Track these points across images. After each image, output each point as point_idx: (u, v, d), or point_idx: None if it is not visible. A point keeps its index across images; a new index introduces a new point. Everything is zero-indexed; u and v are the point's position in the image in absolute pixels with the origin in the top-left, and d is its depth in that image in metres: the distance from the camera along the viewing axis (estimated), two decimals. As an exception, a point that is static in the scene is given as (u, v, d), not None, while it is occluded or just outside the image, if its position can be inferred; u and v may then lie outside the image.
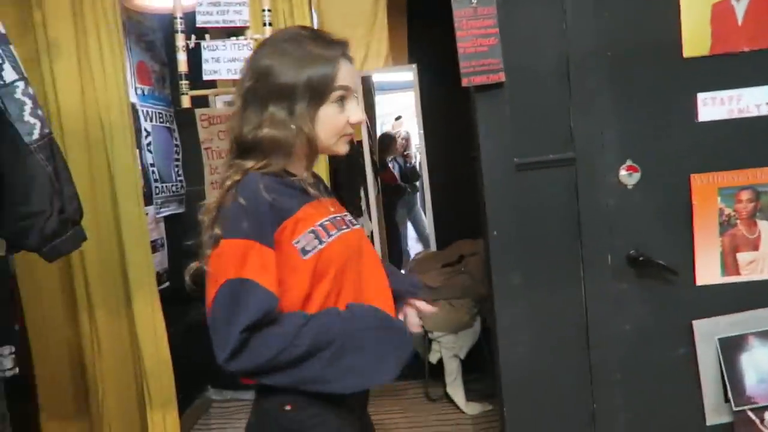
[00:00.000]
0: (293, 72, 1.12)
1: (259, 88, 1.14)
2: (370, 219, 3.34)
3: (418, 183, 4.07)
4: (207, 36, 1.67)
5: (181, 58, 1.76)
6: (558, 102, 1.58)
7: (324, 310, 1.13)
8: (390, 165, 4.33)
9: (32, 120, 1.57)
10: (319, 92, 1.14)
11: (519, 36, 1.56)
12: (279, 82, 1.13)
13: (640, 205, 1.58)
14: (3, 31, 1.53)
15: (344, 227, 1.21)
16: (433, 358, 3.10)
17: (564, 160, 1.59)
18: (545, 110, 1.59)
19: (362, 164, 3.10)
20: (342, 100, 1.17)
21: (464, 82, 1.58)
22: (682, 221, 1.57)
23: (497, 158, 1.61)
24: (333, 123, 1.17)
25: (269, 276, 1.06)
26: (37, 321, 1.96)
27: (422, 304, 1.37)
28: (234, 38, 1.72)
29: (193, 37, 1.78)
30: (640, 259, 1.58)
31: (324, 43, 1.17)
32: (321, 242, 1.12)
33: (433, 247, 3.56)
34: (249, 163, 1.13)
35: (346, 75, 1.17)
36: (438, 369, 3.13)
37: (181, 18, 1.75)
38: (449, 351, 3.02)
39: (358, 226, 1.28)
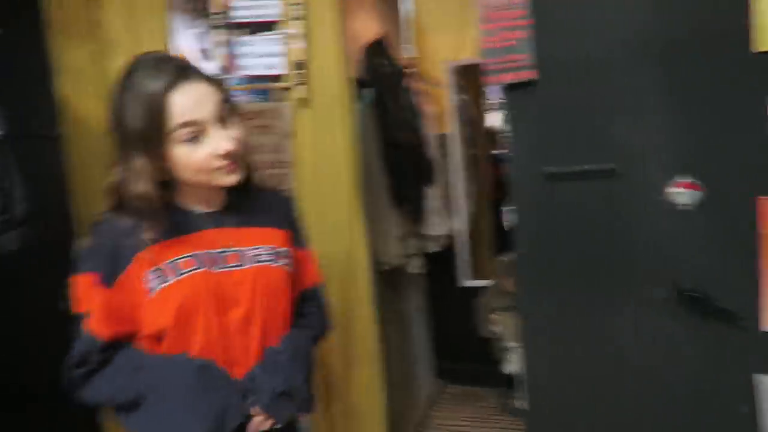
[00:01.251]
0: (120, 120, 0.99)
1: (112, 134, 1.04)
2: (451, 219, 3.16)
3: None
4: (236, 31, 1.66)
5: (221, 52, 1.77)
6: (597, 104, 1.35)
7: (158, 355, 1.06)
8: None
9: None
10: (152, 140, 0.97)
11: (553, 26, 1.36)
12: (115, 132, 1.02)
13: (694, 229, 1.31)
14: None
15: (222, 266, 1.08)
16: (509, 368, 2.91)
17: (602, 171, 1.36)
18: (582, 113, 1.37)
19: (433, 161, 2.91)
20: (194, 135, 0.99)
21: (489, 80, 1.41)
22: (746, 252, 1.27)
23: (526, 166, 1.43)
24: (192, 165, 1.01)
25: (99, 315, 1.04)
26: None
27: (255, 419, 1.09)
28: (267, 33, 1.69)
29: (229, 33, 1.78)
30: (693, 295, 1.32)
31: (148, 76, 0.97)
32: (164, 281, 1.03)
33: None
34: (107, 205, 1.07)
35: (185, 107, 0.97)
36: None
37: (222, 14, 1.76)
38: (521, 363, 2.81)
39: (255, 265, 1.10)
